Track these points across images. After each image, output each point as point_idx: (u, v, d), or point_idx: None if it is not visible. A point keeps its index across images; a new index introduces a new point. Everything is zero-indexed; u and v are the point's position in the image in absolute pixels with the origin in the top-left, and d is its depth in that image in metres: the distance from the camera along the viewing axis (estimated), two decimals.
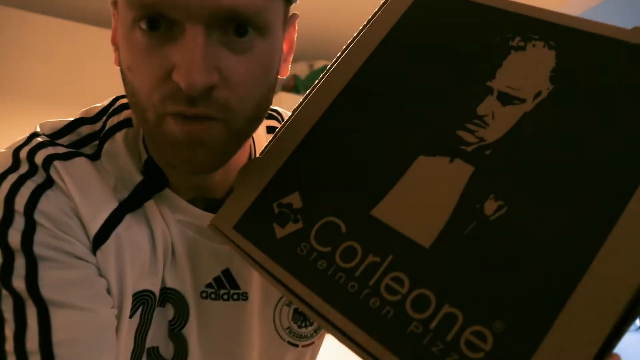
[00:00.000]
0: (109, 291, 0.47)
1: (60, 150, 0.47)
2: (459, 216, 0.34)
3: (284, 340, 0.57)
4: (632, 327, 5.12)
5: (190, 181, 0.52)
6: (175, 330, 0.52)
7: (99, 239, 0.46)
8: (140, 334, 0.51)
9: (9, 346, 0.42)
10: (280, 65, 0.49)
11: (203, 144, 0.43)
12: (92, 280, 0.45)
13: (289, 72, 0.52)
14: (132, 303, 0.48)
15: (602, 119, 0.33)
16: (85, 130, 0.51)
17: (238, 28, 0.41)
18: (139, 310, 0.50)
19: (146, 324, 0.51)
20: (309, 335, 0.58)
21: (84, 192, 0.46)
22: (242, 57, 0.42)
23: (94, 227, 0.46)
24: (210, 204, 0.53)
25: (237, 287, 0.53)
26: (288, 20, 0.49)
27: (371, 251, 0.35)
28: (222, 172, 0.52)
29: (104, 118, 0.53)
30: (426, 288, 0.33)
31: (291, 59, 0.53)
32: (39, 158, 0.46)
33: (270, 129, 0.60)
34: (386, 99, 0.42)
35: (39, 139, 0.48)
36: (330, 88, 0.45)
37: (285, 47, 0.50)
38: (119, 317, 0.47)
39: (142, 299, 0.50)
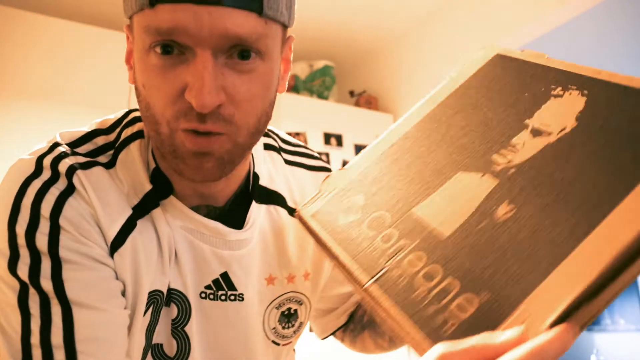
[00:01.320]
0: (123, 293, 0.51)
1: (81, 159, 0.52)
2: (477, 215, 0.44)
3: (269, 339, 0.62)
4: (633, 327, 5.10)
5: (195, 189, 0.56)
6: (179, 328, 0.56)
7: (116, 244, 0.51)
8: (150, 330, 0.54)
9: (35, 339, 0.45)
10: (278, 83, 0.54)
11: (211, 155, 0.49)
12: (110, 283, 0.50)
13: (286, 88, 0.58)
14: (147, 301, 0.53)
15: (609, 151, 0.42)
16: (100, 140, 0.56)
17: (241, 52, 0.47)
18: (150, 309, 0.54)
19: (154, 321, 0.55)
20: (289, 336, 0.64)
21: (102, 199, 0.51)
22: (245, 77, 0.48)
23: (112, 233, 0.50)
24: (212, 212, 0.58)
25: (234, 289, 0.58)
26: (285, 42, 0.55)
27: (404, 236, 0.46)
28: (224, 181, 0.57)
29: (118, 129, 0.58)
30: (437, 264, 0.42)
31: (288, 76, 0.59)
32: (63, 167, 0.50)
33: (267, 146, 0.67)
34: (452, 129, 0.53)
35: (61, 149, 0.52)
36: (414, 116, 0.57)
37: (282, 66, 0.56)
38: (132, 315, 0.51)
39: (154, 298, 0.54)
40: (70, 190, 0.49)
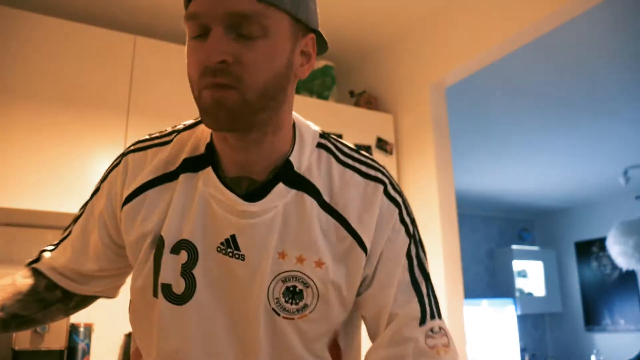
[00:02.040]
0: (112, 239, 0.79)
1: (140, 145, 0.78)
2: None
3: (270, 305, 0.70)
4: (633, 327, 5.10)
5: (233, 159, 0.70)
6: (187, 270, 0.70)
7: (127, 200, 0.74)
8: (156, 267, 0.71)
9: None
10: (295, 67, 0.68)
11: (223, 107, 0.62)
12: (94, 238, 0.80)
13: (306, 75, 0.71)
14: (151, 243, 0.72)
15: None
16: (176, 129, 0.79)
17: (246, 27, 0.61)
18: (154, 250, 0.72)
19: (158, 261, 0.71)
20: (290, 311, 0.70)
21: (133, 172, 0.76)
22: (250, 47, 0.62)
23: (126, 194, 0.75)
24: (252, 184, 0.71)
25: (238, 249, 0.69)
26: (300, 36, 0.68)
27: None
28: (256, 153, 0.70)
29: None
30: None
31: (310, 67, 0.71)
32: (125, 151, 0.79)
33: (320, 144, 0.76)
34: None
35: (141, 138, 0.80)
36: None
37: (301, 57, 0.70)
38: (140, 251, 0.73)
39: (156, 241, 0.72)
40: (117, 164, 0.79)
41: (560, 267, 6.13)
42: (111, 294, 0.87)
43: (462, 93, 2.90)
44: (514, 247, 5.91)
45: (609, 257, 5.17)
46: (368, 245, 0.71)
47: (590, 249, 5.79)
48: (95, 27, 2.06)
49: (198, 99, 0.64)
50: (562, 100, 3.15)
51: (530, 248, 6.05)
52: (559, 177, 4.81)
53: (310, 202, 0.70)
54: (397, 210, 0.74)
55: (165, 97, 2.09)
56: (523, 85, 2.97)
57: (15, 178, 1.79)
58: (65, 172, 1.87)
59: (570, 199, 5.68)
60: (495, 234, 6.22)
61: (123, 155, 0.78)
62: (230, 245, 0.69)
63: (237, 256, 0.69)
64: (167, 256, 0.70)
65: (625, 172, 4.36)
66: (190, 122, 0.79)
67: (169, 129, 0.79)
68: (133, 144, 0.79)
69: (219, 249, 0.70)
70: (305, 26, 0.69)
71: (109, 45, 2.05)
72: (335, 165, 0.74)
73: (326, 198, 0.71)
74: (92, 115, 1.97)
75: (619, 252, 4.43)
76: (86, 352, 1.91)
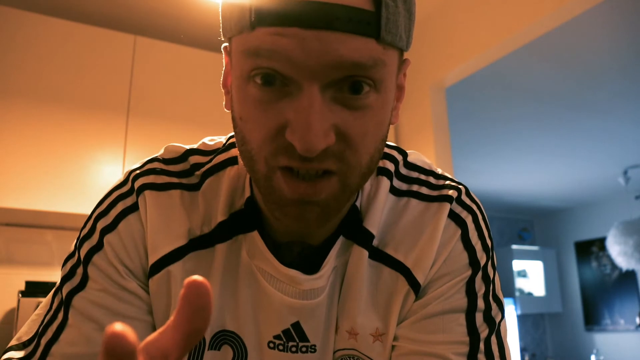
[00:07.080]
0: (153, 326, 0.52)
1: (160, 180, 0.54)
2: None
3: None
4: (633, 327, 5.10)
5: (291, 230, 0.52)
6: None
7: (153, 270, 0.51)
8: None
9: (40, 328, 0.50)
10: (391, 115, 0.48)
11: (315, 204, 0.44)
12: (120, 311, 0.50)
13: (398, 119, 0.52)
14: None
15: None
16: (194, 159, 0.56)
17: (354, 84, 0.41)
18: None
19: None
20: None
21: (160, 224, 0.51)
22: (357, 113, 0.42)
23: (152, 259, 0.51)
24: (306, 249, 0.53)
25: (307, 340, 0.52)
26: (400, 68, 0.49)
27: None
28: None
29: (215, 154, 0.57)
30: None
31: (400, 106, 0.52)
32: (138, 183, 0.53)
33: (380, 170, 0.57)
34: None
35: (152, 165, 0.55)
36: None
37: (396, 95, 0.50)
38: None
39: None
40: (133, 207, 0.52)
41: (560, 267, 6.13)
42: None
43: (462, 93, 2.90)
44: (514, 247, 5.91)
45: (609, 257, 5.17)
46: (422, 284, 0.53)
47: (590, 249, 5.79)
48: (95, 27, 2.06)
49: (265, 180, 0.44)
50: (561, 100, 3.15)
51: (530, 248, 6.05)
52: (559, 177, 4.81)
53: (359, 254, 0.53)
54: (459, 231, 0.54)
55: (165, 97, 2.09)
56: (523, 85, 2.97)
57: (15, 178, 1.79)
58: (65, 172, 1.87)
59: (570, 199, 5.68)
60: (495, 233, 6.22)
61: (137, 191, 0.52)
62: (293, 338, 0.52)
63: (304, 349, 0.52)
64: (206, 354, 0.52)
65: (625, 172, 4.36)
66: (207, 156, 0.56)
67: (185, 152, 0.56)
68: (146, 171, 0.54)
69: (271, 345, 0.52)
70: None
71: (109, 45, 2.05)
72: (388, 195, 0.56)
73: (375, 242, 0.54)
74: (92, 115, 1.97)
75: (619, 252, 4.43)
76: None
